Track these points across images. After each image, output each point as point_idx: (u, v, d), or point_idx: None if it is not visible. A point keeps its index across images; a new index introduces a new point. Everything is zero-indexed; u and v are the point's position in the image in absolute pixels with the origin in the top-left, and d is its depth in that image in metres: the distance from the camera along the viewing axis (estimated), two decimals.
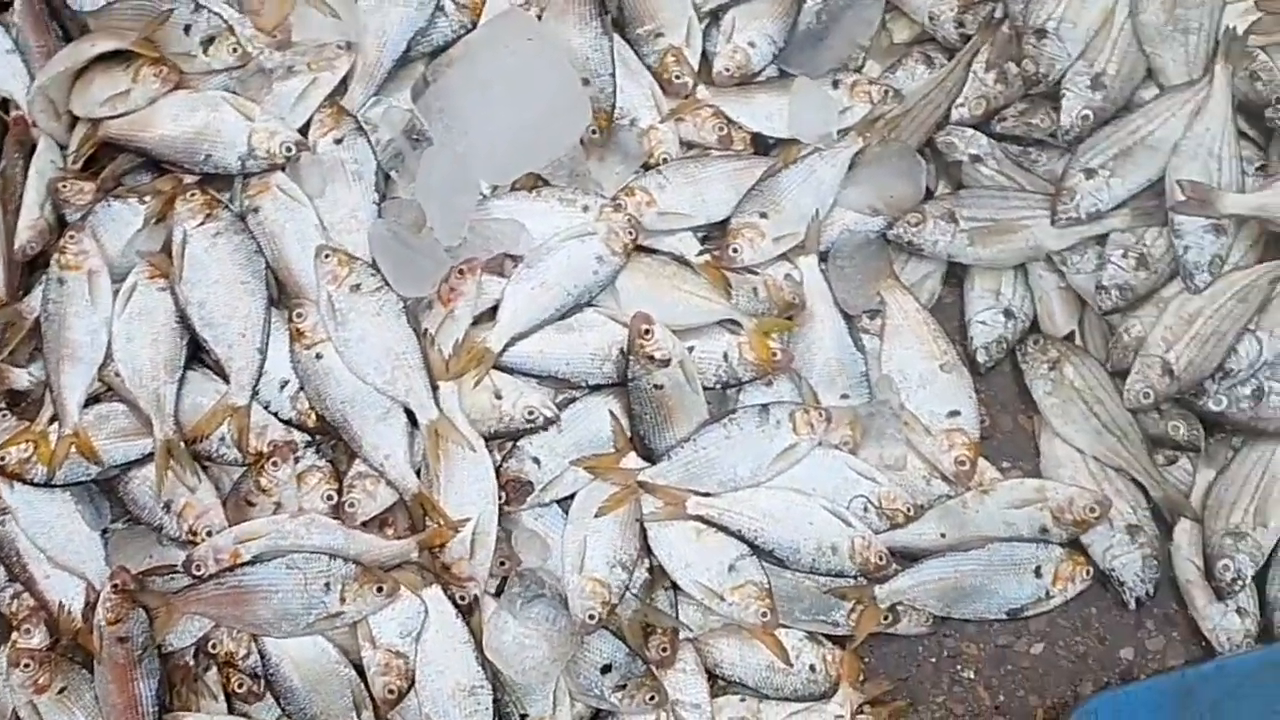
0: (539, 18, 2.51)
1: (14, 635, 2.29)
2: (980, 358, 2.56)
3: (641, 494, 2.33)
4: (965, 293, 2.61)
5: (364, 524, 2.31)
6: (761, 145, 2.60)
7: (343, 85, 2.51)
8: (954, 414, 2.46)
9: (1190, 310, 2.48)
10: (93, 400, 2.36)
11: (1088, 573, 2.43)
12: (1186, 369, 2.46)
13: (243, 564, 2.23)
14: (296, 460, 2.32)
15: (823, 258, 2.52)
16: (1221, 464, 2.50)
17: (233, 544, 2.24)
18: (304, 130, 2.47)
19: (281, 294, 2.41)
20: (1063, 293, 2.59)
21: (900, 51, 2.68)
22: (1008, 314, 2.58)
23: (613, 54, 2.52)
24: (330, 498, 2.31)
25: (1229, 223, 2.47)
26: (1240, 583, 2.42)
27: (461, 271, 2.34)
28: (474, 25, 2.53)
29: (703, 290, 2.43)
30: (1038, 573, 2.42)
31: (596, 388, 2.40)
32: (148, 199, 2.44)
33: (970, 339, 2.58)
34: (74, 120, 2.55)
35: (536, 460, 2.35)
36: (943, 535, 2.44)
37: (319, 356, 2.33)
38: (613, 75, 2.50)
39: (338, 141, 2.45)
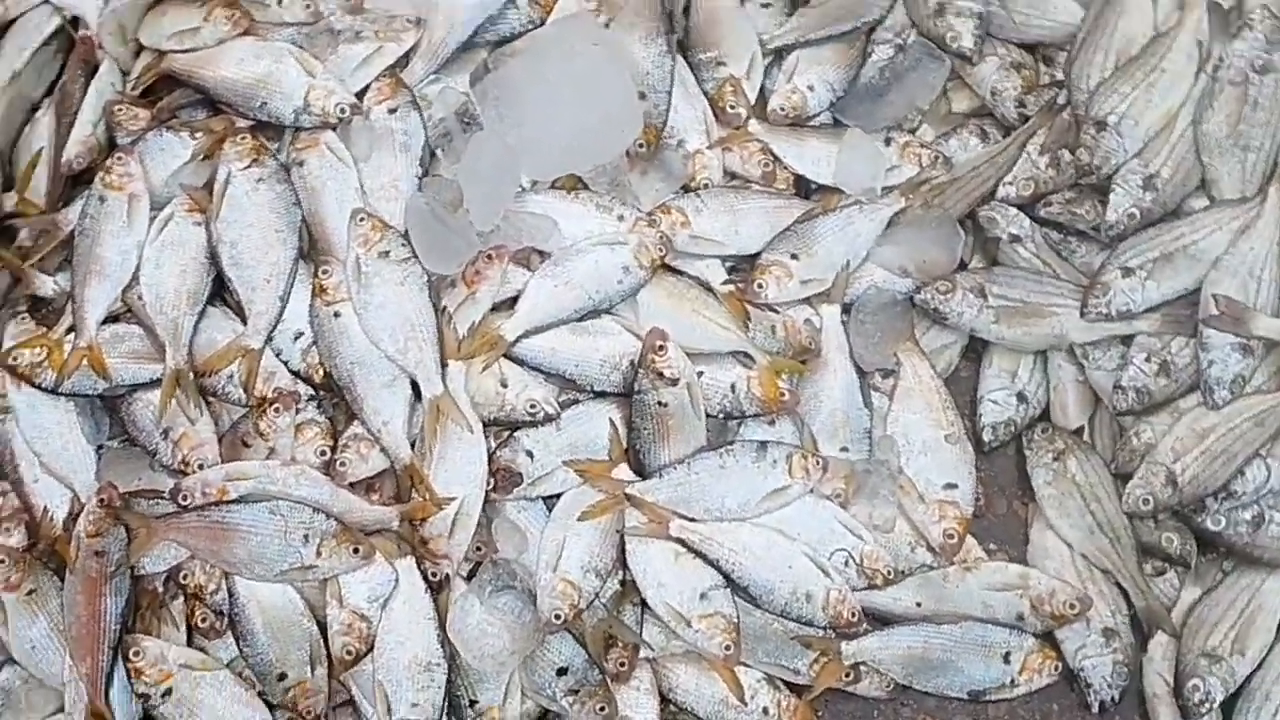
0: (607, 25, 2.78)
1: None
2: (986, 436, 2.77)
3: (627, 506, 2.55)
4: (982, 369, 2.81)
5: (351, 485, 2.54)
6: (803, 188, 2.85)
7: (405, 58, 2.78)
8: (951, 486, 2.67)
9: (1204, 425, 2.67)
10: (111, 319, 2.62)
11: (1056, 667, 2.61)
12: (1191, 483, 2.65)
13: (228, 501, 2.46)
14: (297, 411, 2.56)
15: (846, 309, 2.75)
16: (1209, 584, 2.68)
17: (222, 480, 2.48)
18: (360, 95, 2.73)
19: (311, 249, 2.67)
20: (1079, 386, 2.79)
21: (957, 121, 2.93)
22: (1021, 398, 2.78)
23: (673, 73, 2.79)
24: (323, 453, 2.55)
25: (1258, 344, 2.67)
26: (1208, 705, 2.58)
27: (489, 256, 2.60)
28: (542, 22, 2.81)
29: (722, 319, 2.67)
30: (1006, 659, 2.61)
31: (601, 394, 2.64)
32: (199, 135, 2.71)
33: (979, 416, 2.78)
34: (140, 49, 2.83)
35: (530, 454, 2.59)
36: (918, 604, 2.63)
37: (337, 315, 2.58)
38: (669, 93, 2.77)
39: (391, 111, 2.71)
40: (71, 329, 2.60)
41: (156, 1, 2.82)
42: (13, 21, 2.92)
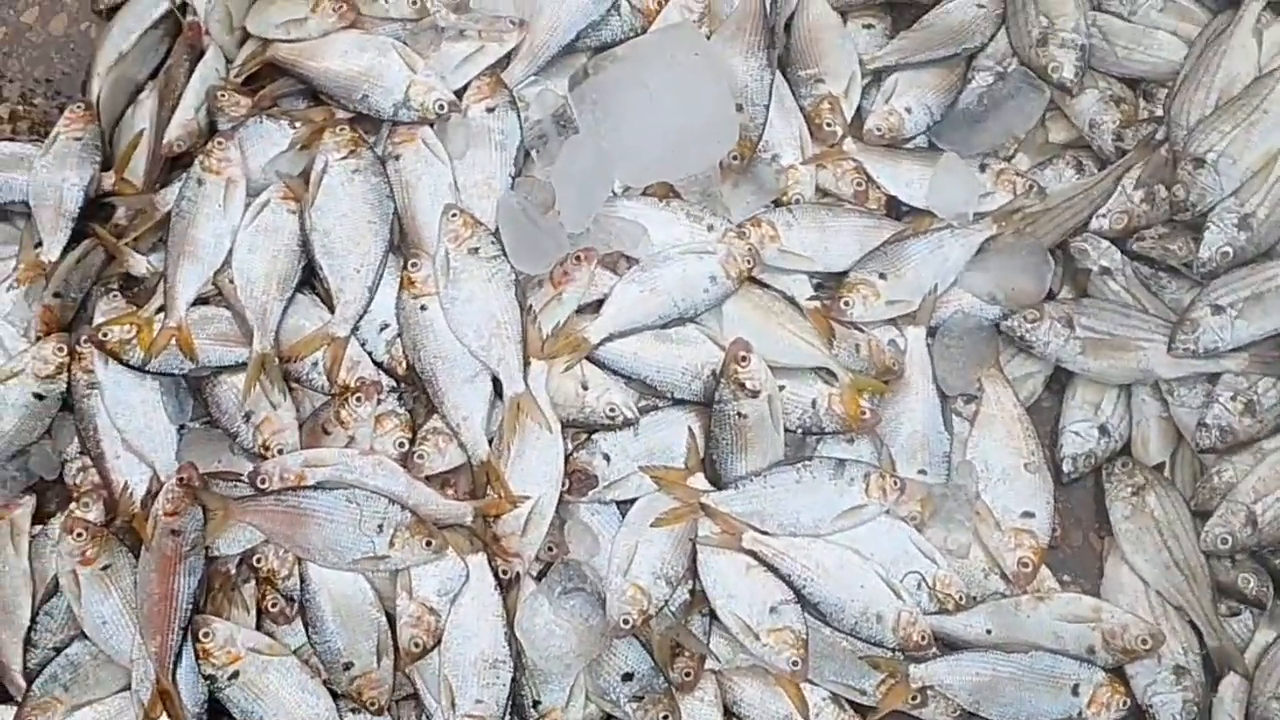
0: (708, 36, 2.73)
1: (72, 505, 2.51)
2: (1066, 467, 2.71)
3: (701, 516, 2.50)
4: (1065, 400, 2.75)
5: (428, 478, 2.50)
6: (895, 210, 2.79)
7: (506, 59, 2.75)
8: (1028, 515, 2.60)
9: None
10: (201, 301, 2.60)
11: (1125, 703, 2.54)
12: (1271, 524, 2.59)
13: (305, 487, 2.44)
14: (379, 402, 2.53)
15: (931, 332, 2.69)
16: None
17: (301, 466, 2.45)
18: (460, 93, 2.70)
19: (402, 241, 2.64)
20: (1162, 422, 2.72)
21: (1054, 151, 2.87)
22: (1103, 430, 2.72)
23: (771, 88, 2.74)
24: (402, 445, 2.51)
25: None
26: None
27: (578, 258, 2.55)
28: (644, 30, 2.77)
29: (807, 334, 2.61)
30: (1075, 691, 2.53)
31: (681, 402, 2.59)
32: (298, 124, 2.69)
33: (1060, 446, 2.72)
34: (245, 37, 2.82)
35: (607, 457, 2.54)
36: (989, 632, 2.56)
37: (424, 308, 2.54)
38: (767, 107, 2.72)
39: (489, 110, 2.68)
40: (161, 308, 2.59)
41: None
42: (122, 4, 2.91)
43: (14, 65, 2.95)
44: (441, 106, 2.65)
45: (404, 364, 2.56)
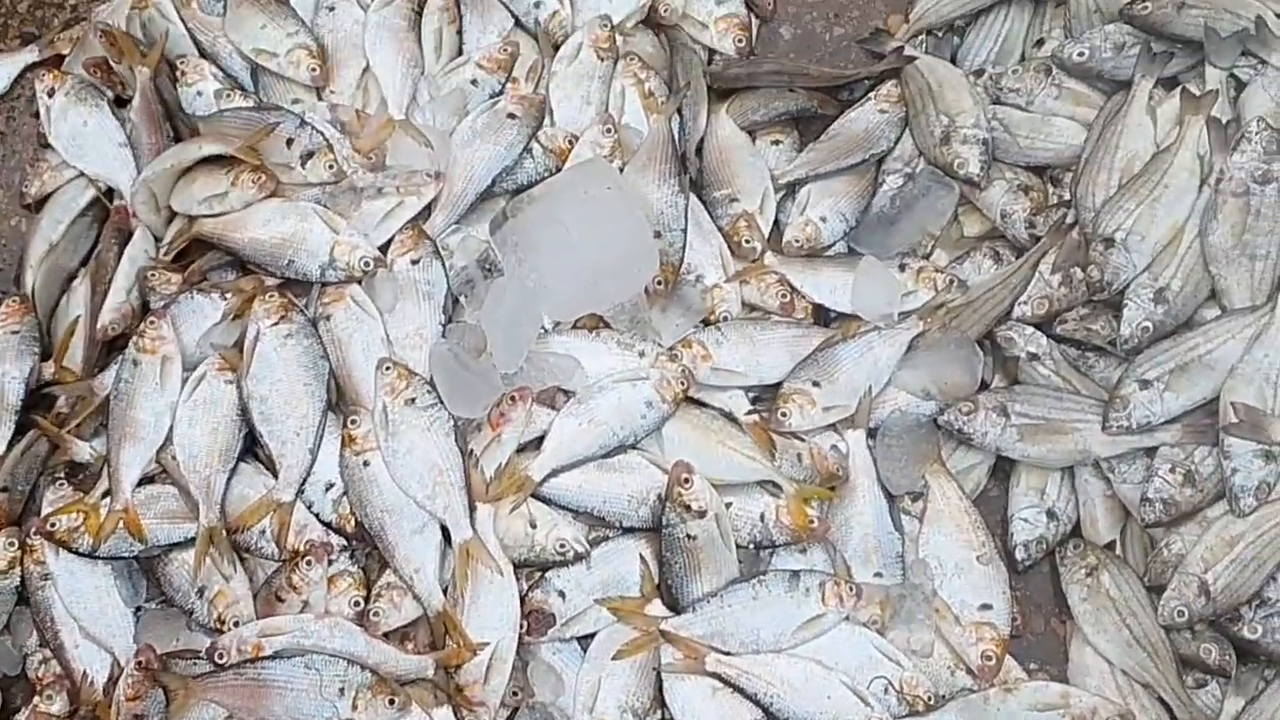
0: (621, 169, 2.81)
1: (35, 699, 2.51)
2: (1019, 555, 2.72)
3: (662, 643, 2.51)
4: (1010, 488, 2.78)
5: (386, 634, 2.51)
6: (822, 317, 2.85)
7: (427, 210, 2.81)
8: (986, 607, 2.62)
9: (1233, 533, 2.62)
10: (146, 480, 2.63)
11: None
12: (1224, 592, 2.60)
13: (264, 658, 2.43)
14: (330, 562, 2.55)
15: (871, 434, 2.73)
16: (1251, 694, 2.60)
17: (257, 637, 2.45)
18: (384, 248, 2.76)
19: (340, 400, 2.68)
20: (1107, 500, 2.75)
21: (970, 244, 2.93)
22: (1051, 515, 2.74)
23: (687, 212, 2.81)
24: (357, 604, 2.53)
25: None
26: None
27: (514, 398, 2.60)
28: (558, 169, 2.85)
29: (747, 449, 2.65)
30: None
31: (630, 530, 2.61)
32: (229, 295, 2.74)
33: (1011, 535, 2.74)
34: (172, 215, 2.88)
35: (562, 594, 2.56)
36: None
37: (366, 464, 2.57)
38: (684, 231, 2.79)
39: (414, 262, 2.74)
40: (107, 493, 2.60)
41: (186, 170, 2.84)
42: (49, 195, 2.97)
43: None
44: (367, 264, 2.71)
45: (352, 522, 2.58)
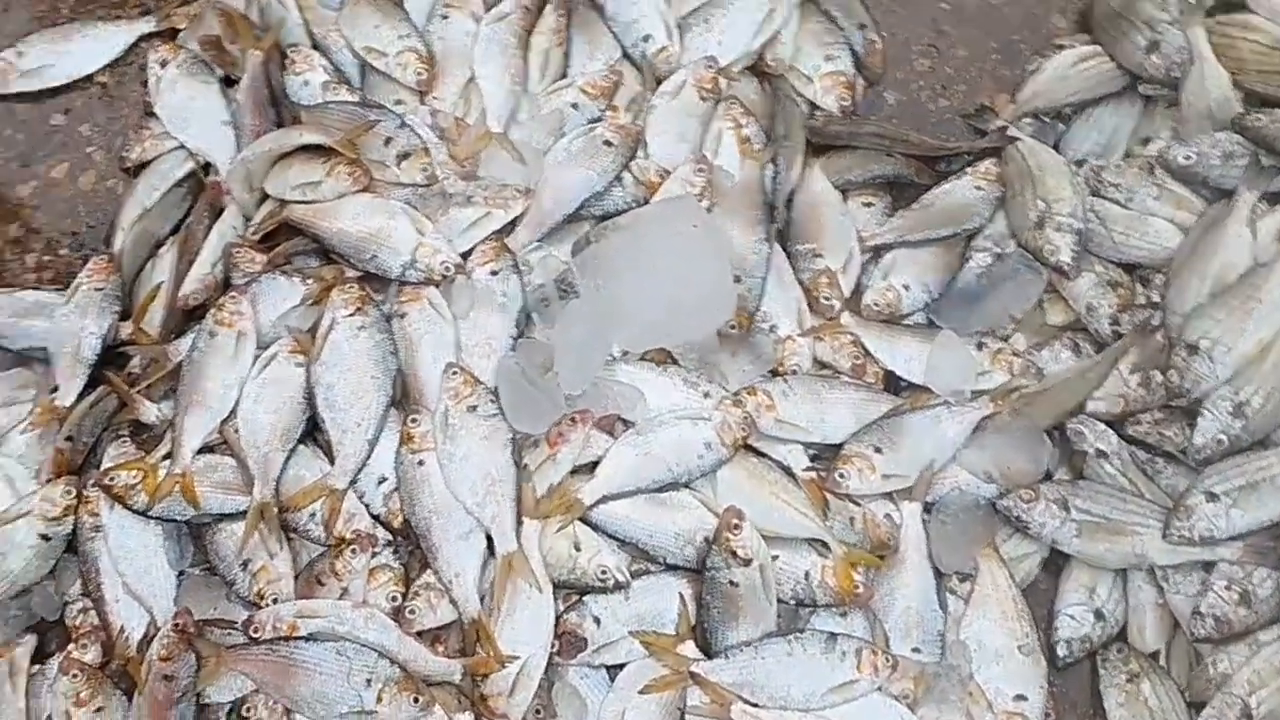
0: (709, 210, 3.00)
1: (70, 646, 2.69)
2: (1061, 651, 2.82)
3: (691, 684, 2.63)
4: (1061, 582, 2.88)
5: (419, 633, 2.67)
6: (892, 385, 2.99)
7: (512, 225, 3.01)
8: (1021, 698, 2.72)
9: None
10: (207, 449, 2.82)
11: None
12: (1266, 718, 2.69)
13: (297, 638, 2.60)
14: (373, 555, 2.72)
15: (927, 509, 2.86)
16: None
17: (293, 616, 2.63)
18: (466, 255, 2.95)
19: (404, 398, 2.86)
20: (1158, 609, 2.85)
21: (1051, 333, 3.06)
22: (1098, 615, 2.84)
23: (769, 261, 2.99)
24: (394, 599, 2.69)
25: None
26: None
27: (574, 420, 2.77)
28: (646, 201, 3.04)
29: (800, 505, 2.80)
30: None
31: (673, 567, 2.76)
32: (309, 281, 2.94)
33: (1055, 629, 2.84)
34: (264, 197, 3.09)
35: (597, 620, 2.71)
36: None
37: (421, 463, 2.75)
38: (764, 279, 2.97)
39: (493, 273, 2.93)
40: (168, 455, 2.80)
41: (284, 155, 3.06)
42: (149, 162, 3.21)
43: (41, 217, 3.24)
44: (447, 268, 2.90)
45: (400, 518, 2.75)
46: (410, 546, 2.79)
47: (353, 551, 2.70)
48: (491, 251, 2.96)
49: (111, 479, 2.76)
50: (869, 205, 3.16)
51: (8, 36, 3.39)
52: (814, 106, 3.26)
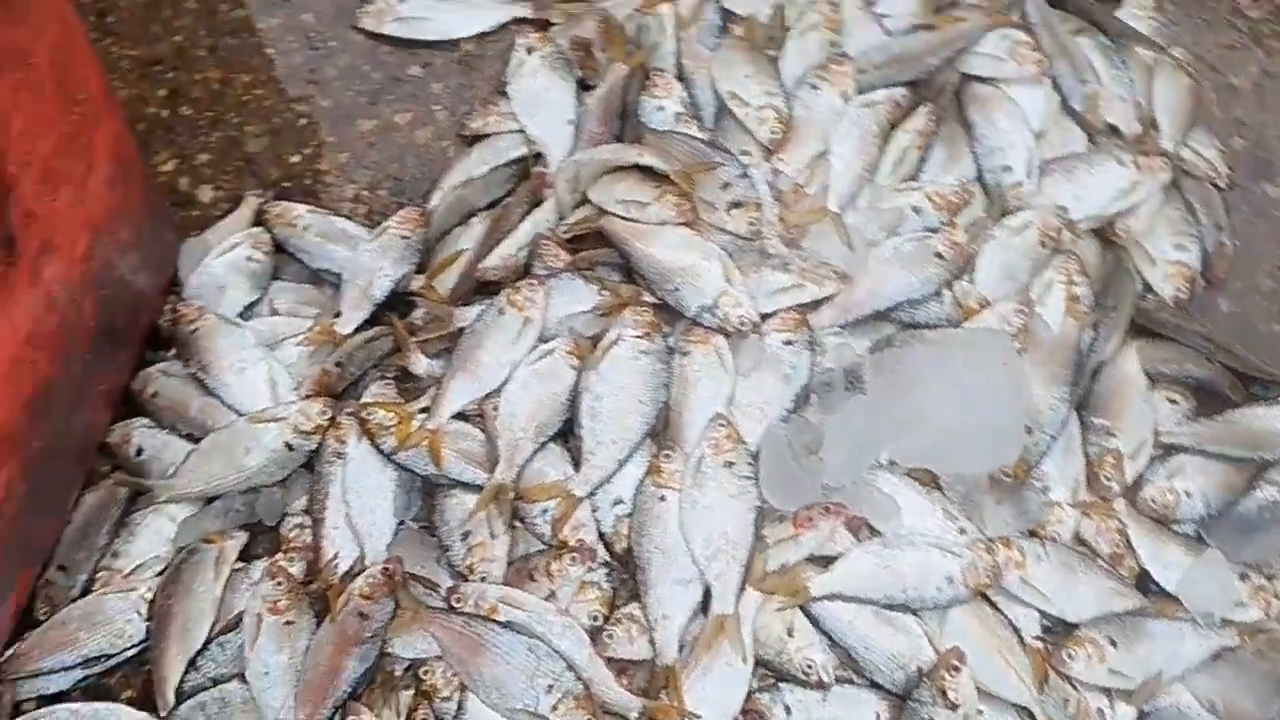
0: (1020, 352, 3.08)
1: (279, 555, 2.85)
2: None
3: None
4: None
5: (610, 658, 2.76)
6: (1144, 584, 3.00)
7: (818, 302, 3.13)
8: None
9: None
10: (461, 416, 2.97)
11: None
12: None
13: (495, 621, 2.71)
14: (589, 569, 2.82)
15: (1142, 716, 2.86)
16: None
17: (497, 600, 2.74)
18: (765, 317, 3.07)
19: (662, 431, 2.98)
20: None
21: None
22: None
23: (1064, 424, 3.04)
24: (596, 618, 2.79)
25: None
26: None
27: (827, 509, 2.85)
28: (958, 324, 3.14)
29: (1022, 670, 2.81)
30: None
31: (877, 685, 2.80)
32: (605, 292, 3.10)
33: None
34: (583, 200, 3.27)
35: (788, 709, 2.76)
36: None
37: (662, 499, 2.86)
38: (1053, 439, 3.02)
39: (787, 343, 3.04)
40: (425, 410, 2.96)
41: (616, 168, 3.24)
42: (486, 136, 3.43)
43: (372, 155, 3.48)
44: (744, 323, 3.01)
45: (624, 543, 2.86)
46: (625, 574, 2.88)
47: (572, 559, 2.80)
48: (792, 322, 3.08)
49: (369, 414, 2.93)
50: (1174, 402, 3.20)
51: None
52: (1149, 289, 3.33)
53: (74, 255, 2.70)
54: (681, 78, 3.46)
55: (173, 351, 3.12)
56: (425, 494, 2.96)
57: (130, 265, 2.97)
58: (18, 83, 2.27)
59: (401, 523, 2.91)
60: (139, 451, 3.00)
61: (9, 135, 2.26)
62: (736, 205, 3.18)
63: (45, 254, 2.52)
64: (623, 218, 3.18)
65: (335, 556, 2.84)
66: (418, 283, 3.19)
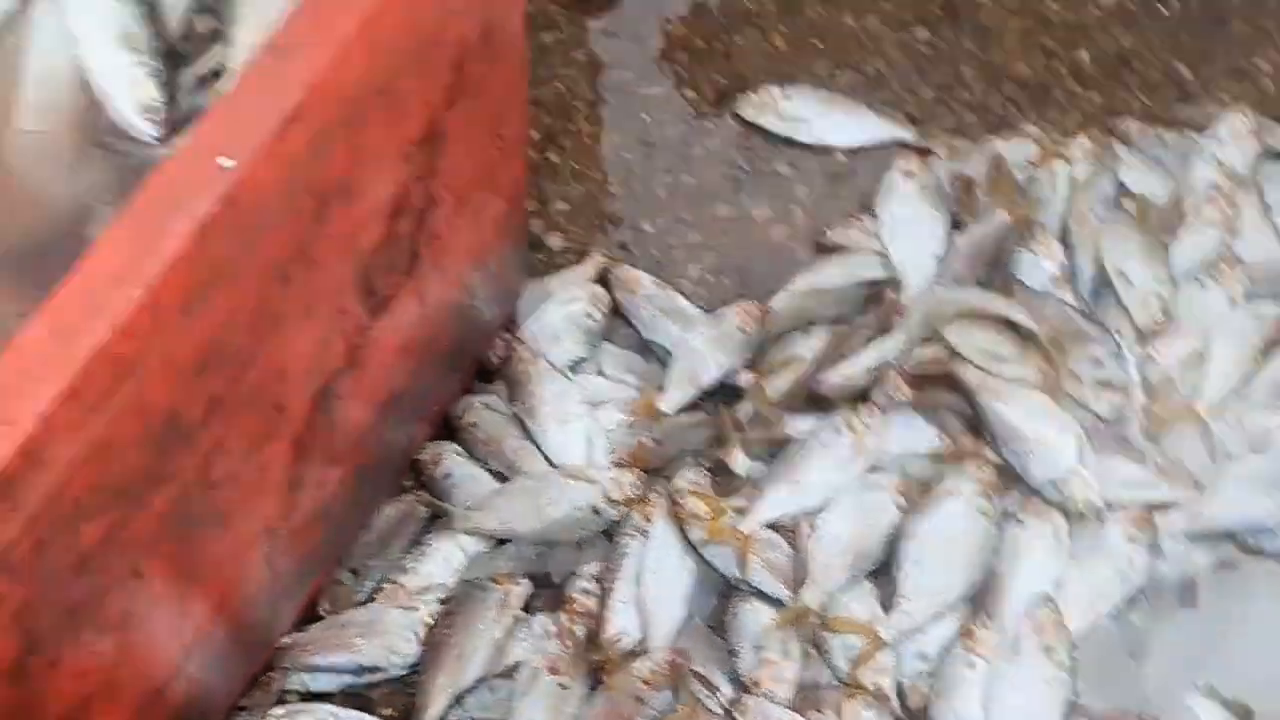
0: None
1: (563, 616, 2.87)
2: None
3: None
4: None
5: None
6: None
7: (1166, 504, 3.09)
8: None
9: None
10: (773, 527, 2.99)
11: None
12: None
13: None
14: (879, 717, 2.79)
15: None
16: None
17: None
18: (1109, 506, 3.04)
19: (979, 598, 2.94)
20: None
21: None
22: None
23: None
24: None
25: None
26: None
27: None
28: None
29: None
30: None
31: None
32: (947, 438, 3.11)
33: None
34: (931, 338, 3.28)
35: None
36: None
37: (970, 665, 2.83)
38: None
39: (1129, 540, 3.00)
40: (739, 510, 2.98)
41: (974, 315, 3.25)
42: (842, 249, 3.47)
43: (724, 241, 3.51)
44: (1090, 507, 2.99)
45: (920, 700, 2.83)
46: None
47: (866, 703, 2.77)
48: (1140, 520, 3.03)
49: (682, 499, 2.96)
50: None
51: (782, 77, 3.75)
52: None
53: (454, 280, 2.81)
54: (1064, 241, 3.46)
55: (494, 385, 3.19)
56: (720, 595, 2.96)
57: (486, 296, 3.07)
58: (468, 112, 2.38)
59: (690, 616, 2.92)
60: (447, 475, 3.06)
61: (446, 158, 2.37)
62: (1104, 385, 3.16)
63: (435, 273, 2.62)
64: (979, 367, 3.18)
65: (620, 634, 2.85)
66: (745, 378, 3.22)
